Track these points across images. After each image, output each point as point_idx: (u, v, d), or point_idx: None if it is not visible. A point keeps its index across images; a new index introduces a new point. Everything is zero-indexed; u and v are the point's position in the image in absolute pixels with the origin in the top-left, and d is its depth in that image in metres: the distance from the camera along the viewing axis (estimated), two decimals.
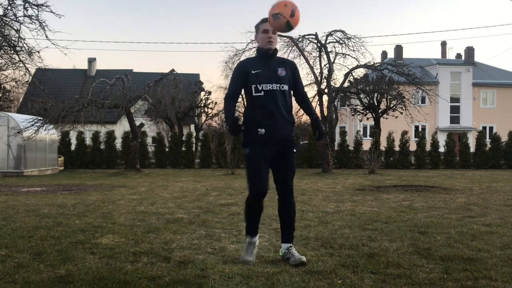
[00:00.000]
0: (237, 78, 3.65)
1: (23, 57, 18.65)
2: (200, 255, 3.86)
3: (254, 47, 17.33)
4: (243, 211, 3.68)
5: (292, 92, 3.77)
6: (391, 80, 19.72)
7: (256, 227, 3.69)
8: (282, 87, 3.59)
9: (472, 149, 21.26)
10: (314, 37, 17.34)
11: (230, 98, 3.66)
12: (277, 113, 3.56)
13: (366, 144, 21.54)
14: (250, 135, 3.60)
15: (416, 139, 21.73)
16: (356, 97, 22.43)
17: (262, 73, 3.59)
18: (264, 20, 3.59)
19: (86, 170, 19.25)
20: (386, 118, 22.76)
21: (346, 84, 19.21)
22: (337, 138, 22.80)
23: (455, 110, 35.90)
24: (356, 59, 17.48)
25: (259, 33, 3.65)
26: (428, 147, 20.88)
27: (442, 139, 22.12)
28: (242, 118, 3.70)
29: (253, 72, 3.59)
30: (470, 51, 39.10)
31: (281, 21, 3.39)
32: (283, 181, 3.65)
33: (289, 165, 3.64)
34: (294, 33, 18.08)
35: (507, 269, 3.40)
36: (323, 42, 17.26)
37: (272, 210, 6.49)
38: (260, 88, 3.56)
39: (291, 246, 3.65)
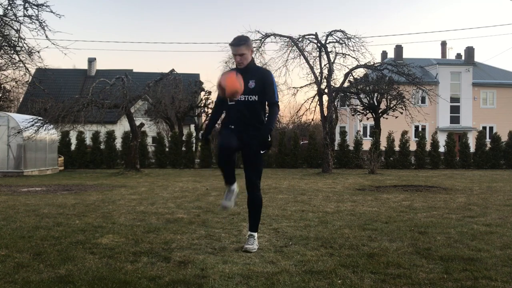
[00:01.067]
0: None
1: (23, 57, 18.66)
2: (200, 255, 3.87)
3: (254, 47, 17.36)
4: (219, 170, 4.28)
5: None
6: (391, 80, 19.71)
7: (230, 177, 4.15)
8: (251, 97, 4.00)
9: (472, 149, 21.27)
10: (314, 37, 17.34)
11: (215, 106, 4.36)
12: (242, 122, 4.01)
13: (366, 144, 21.55)
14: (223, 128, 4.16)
15: (416, 139, 21.73)
16: (356, 97, 22.44)
17: None
18: (230, 44, 4.04)
19: (86, 170, 19.25)
20: (386, 118, 22.76)
21: (346, 84, 19.21)
22: (337, 138, 22.81)
23: (455, 110, 35.87)
24: (356, 59, 17.49)
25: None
26: (428, 147, 20.88)
27: (442, 139, 22.13)
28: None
29: None
30: (470, 51, 39.06)
31: (221, 90, 3.94)
32: (246, 176, 4.06)
33: (250, 163, 4.05)
34: (294, 33, 18.11)
35: (507, 269, 3.40)
36: (323, 42, 17.26)
37: (272, 210, 6.50)
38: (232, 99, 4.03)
39: (251, 235, 4.10)
